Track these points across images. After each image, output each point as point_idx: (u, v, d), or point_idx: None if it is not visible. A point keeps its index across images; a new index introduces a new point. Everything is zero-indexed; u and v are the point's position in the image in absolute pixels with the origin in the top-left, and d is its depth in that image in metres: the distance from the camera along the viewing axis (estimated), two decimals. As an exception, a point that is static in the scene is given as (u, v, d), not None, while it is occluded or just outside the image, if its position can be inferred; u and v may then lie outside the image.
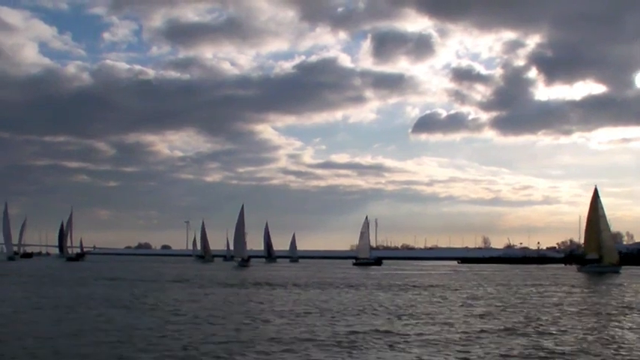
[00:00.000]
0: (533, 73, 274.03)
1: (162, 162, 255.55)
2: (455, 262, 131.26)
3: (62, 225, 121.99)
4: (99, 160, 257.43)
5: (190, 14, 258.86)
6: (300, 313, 22.60)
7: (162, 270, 70.35)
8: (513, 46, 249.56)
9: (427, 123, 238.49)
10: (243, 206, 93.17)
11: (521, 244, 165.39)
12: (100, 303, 25.79)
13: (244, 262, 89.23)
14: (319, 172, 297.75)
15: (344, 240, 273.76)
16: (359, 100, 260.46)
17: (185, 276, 54.16)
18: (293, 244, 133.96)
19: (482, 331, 18.06)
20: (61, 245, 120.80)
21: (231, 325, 18.95)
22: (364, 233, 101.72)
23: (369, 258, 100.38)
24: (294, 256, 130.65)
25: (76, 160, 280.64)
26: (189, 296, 30.53)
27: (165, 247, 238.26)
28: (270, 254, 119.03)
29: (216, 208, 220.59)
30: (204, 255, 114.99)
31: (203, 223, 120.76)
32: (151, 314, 21.92)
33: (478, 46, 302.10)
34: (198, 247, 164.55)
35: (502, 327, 18.96)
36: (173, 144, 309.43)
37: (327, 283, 43.98)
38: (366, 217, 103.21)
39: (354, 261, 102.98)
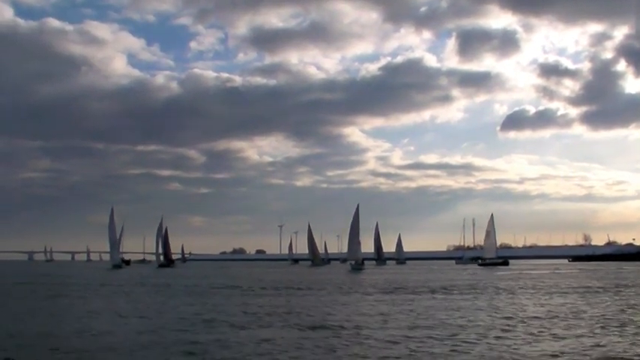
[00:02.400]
0: (622, 65, 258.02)
1: (252, 168, 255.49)
2: (565, 261, 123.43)
3: (165, 232, 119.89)
4: (190, 168, 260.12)
5: (274, 20, 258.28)
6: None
7: (277, 275, 64.85)
8: (600, 39, 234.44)
9: (516, 120, 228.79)
10: (358, 207, 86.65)
11: (634, 239, 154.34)
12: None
13: (359, 265, 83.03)
14: (409, 173, 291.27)
15: (437, 240, 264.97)
16: (446, 99, 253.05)
17: (315, 282, 48.11)
18: (399, 245, 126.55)
19: None
20: (165, 252, 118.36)
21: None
22: (490, 232, 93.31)
23: (495, 258, 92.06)
24: (400, 257, 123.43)
25: (168, 169, 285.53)
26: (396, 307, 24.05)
27: (259, 251, 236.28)
28: (379, 256, 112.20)
29: (308, 211, 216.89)
30: (314, 259, 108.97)
31: (309, 226, 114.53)
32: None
33: (564, 40, 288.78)
34: (294, 251, 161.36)
35: None
36: (262, 149, 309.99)
37: (501, 288, 36.63)
38: (492, 215, 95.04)
39: (479, 262, 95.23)
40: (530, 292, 33.20)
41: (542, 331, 16.49)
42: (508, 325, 17.75)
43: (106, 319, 21.13)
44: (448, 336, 15.66)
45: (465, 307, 24.17)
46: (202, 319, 19.95)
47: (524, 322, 18.54)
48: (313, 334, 16.31)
